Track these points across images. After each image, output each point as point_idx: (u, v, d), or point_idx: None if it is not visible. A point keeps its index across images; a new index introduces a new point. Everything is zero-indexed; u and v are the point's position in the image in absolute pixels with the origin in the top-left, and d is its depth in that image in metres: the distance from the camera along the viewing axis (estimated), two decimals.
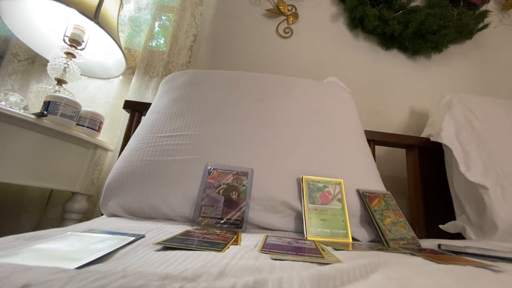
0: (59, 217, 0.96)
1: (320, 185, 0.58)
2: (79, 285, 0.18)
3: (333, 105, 0.77)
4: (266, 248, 0.36)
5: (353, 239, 0.54)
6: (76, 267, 0.23)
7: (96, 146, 0.94)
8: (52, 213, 0.97)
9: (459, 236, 0.76)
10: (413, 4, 1.20)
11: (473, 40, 1.28)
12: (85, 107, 0.95)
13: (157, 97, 0.80)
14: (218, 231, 0.45)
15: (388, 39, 1.24)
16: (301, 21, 1.29)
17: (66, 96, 0.83)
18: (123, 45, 1.15)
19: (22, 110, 0.69)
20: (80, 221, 0.89)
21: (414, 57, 1.27)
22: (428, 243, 0.58)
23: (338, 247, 0.42)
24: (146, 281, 0.20)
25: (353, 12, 1.22)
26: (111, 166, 0.98)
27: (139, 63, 1.09)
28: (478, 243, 0.62)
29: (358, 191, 0.60)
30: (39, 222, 0.96)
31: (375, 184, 0.65)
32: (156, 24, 1.19)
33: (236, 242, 0.39)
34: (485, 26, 1.22)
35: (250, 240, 0.41)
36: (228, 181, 0.56)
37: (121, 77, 1.13)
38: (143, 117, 0.93)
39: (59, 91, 0.91)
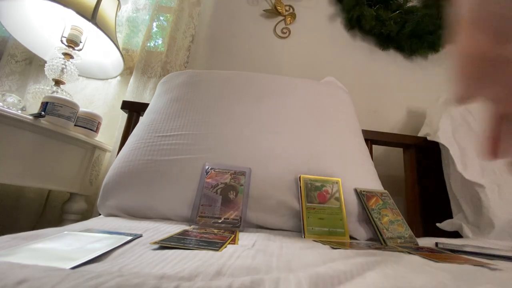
0: (57, 217, 0.96)
1: (318, 184, 0.58)
2: (74, 283, 0.18)
3: (331, 104, 0.78)
4: None
5: (351, 237, 0.54)
6: (71, 267, 0.23)
7: (94, 147, 0.94)
8: (51, 214, 0.97)
9: (456, 234, 0.77)
10: (410, 4, 1.21)
11: None
12: (83, 107, 0.95)
13: (155, 97, 0.80)
14: (215, 231, 0.45)
15: (385, 39, 1.24)
16: (298, 21, 1.29)
17: (64, 97, 0.82)
18: (121, 45, 1.15)
19: (19, 111, 0.69)
20: (79, 221, 0.88)
21: (411, 57, 1.27)
22: (426, 242, 0.58)
23: (335, 245, 0.42)
24: (142, 280, 0.20)
25: (350, 12, 1.23)
26: (109, 167, 0.97)
27: (137, 64, 1.09)
28: (475, 241, 0.62)
29: (355, 190, 0.60)
30: (37, 223, 0.96)
31: (372, 183, 0.65)
32: (154, 24, 1.19)
33: (233, 241, 0.39)
34: None
35: (247, 239, 0.42)
36: (226, 181, 0.56)
37: (119, 77, 1.12)
38: (141, 117, 0.93)
39: (57, 92, 0.90)
